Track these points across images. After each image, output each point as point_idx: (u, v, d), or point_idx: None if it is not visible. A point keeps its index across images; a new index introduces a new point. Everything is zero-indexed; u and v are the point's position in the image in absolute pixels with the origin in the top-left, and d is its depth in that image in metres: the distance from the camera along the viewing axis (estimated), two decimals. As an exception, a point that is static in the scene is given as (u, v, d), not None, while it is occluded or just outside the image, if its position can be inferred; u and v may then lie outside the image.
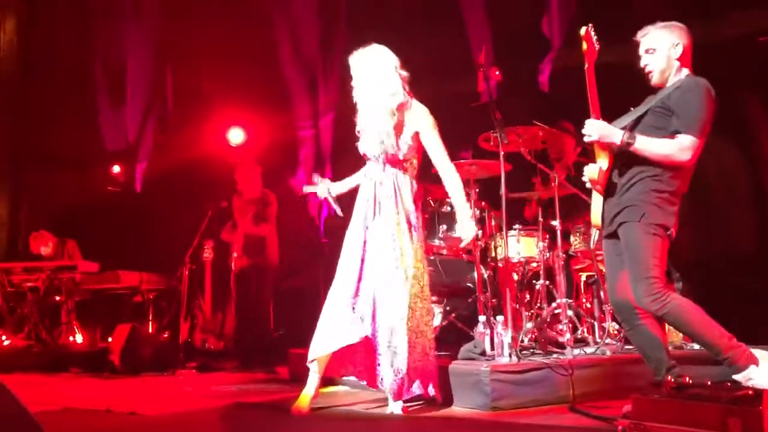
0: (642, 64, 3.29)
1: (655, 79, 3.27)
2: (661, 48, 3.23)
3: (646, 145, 3.08)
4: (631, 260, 3.08)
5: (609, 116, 3.21)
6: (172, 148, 8.55)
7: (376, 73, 3.60)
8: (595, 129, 3.15)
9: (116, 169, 9.13)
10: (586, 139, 3.20)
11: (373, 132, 3.62)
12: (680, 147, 3.04)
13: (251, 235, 6.31)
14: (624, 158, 3.17)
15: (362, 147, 3.71)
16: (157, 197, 8.58)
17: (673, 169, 3.10)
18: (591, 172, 3.22)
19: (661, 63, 3.23)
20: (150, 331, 6.89)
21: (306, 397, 3.53)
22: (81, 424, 3.51)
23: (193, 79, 8.74)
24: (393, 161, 3.62)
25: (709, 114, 3.09)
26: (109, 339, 6.18)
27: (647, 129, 3.15)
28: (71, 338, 7.03)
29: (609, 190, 3.20)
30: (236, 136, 8.30)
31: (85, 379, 5.65)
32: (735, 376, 2.94)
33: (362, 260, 3.55)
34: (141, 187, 8.99)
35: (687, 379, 2.77)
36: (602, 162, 3.19)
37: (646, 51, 3.27)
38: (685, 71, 3.24)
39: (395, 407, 3.45)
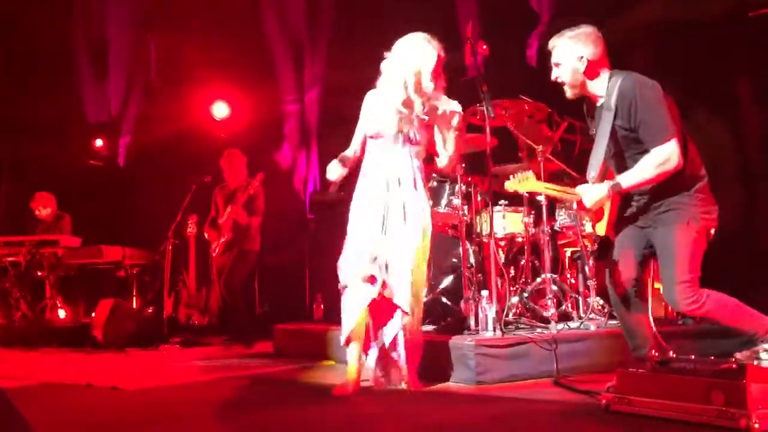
0: (553, 77, 3.24)
1: (568, 94, 3.23)
2: (566, 63, 3.16)
3: (634, 180, 3.04)
4: (669, 261, 3.02)
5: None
6: (155, 122, 8.43)
7: (423, 61, 3.49)
8: (590, 204, 3.11)
9: (99, 142, 8.99)
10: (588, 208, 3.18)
11: (397, 115, 3.53)
12: (663, 161, 2.99)
13: (240, 223, 6.25)
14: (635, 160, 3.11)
15: (378, 126, 3.58)
16: (141, 171, 8.48)
17: (680, 174, 3.03)
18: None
19: (567, 78, 3.18)
20: (134, 306, 6.83)
21: (352, 373, 3.46)
22: (61, 399, 3.48)
23: (177, 51, 8.59)
24: (410, 141, 3.55)
25: (668, 111, 3.03)
26: (92, 314, 6.12)
27: (633, 153, 3.10)
28: (54, 313, 6.96)
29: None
30: (220, 110, 8.19)
31: (68, 354, 5.62)
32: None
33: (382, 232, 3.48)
34: (124, 161, 8.88)
35: (671, 353, 2.78)
36: (600, 227, 3.19)
37: (554, 64, 3.21)
38: (605, 76, 3.15)
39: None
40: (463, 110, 4.51)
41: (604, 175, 3.19)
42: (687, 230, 3.01)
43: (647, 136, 3.03)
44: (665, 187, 3.05)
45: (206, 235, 6.53)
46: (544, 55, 3.31)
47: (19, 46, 8.59)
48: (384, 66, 3.59)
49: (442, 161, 3.62)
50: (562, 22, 3.35)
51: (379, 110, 3.61)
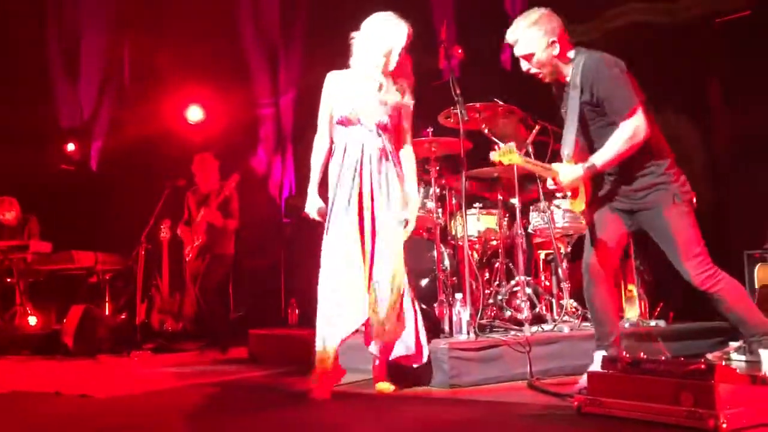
0: (524, 69, 3.23)
1: (548, 79, 3.24)
2: (538, 51, 3.14)
3: (607, 157, 3.07)
4: (674, 243, 3.07)
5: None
6: (128, 126, 8.33)
7: (395, 41, 3.44)
8: (565, 181, 3.14)
9: (71, 146, 8.87)
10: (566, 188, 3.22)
11: (373, 100, 3.48)
12: (632, 134, 3.02)
13: (215, 226, 6.18)
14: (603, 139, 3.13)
15: (354, 112, 3.47)
16: (113, 176, 8.37)
17: (647, 146, 3.07)
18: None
19: (546, 66, 3.17)
20: (106, 312, 6.74)
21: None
22: (27, 407, 3.41)
23: (150, 54, 8.50)
24: (385, 129, 3.50)
25: (630, 85, 3.07)
26: (63, 321, 6.03)
27: (597, 126, 3.14)
28: (24, 320, 6.83)
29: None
30: (195, 113, 8.13)
31: (37, 361, 5.52)
32: (762, 351, 3.02)
33: (371, 237, 3.42)
34: (96, 166, 8.77)
35: (642, 354, 2.80)
36: (579, 204, 3.23)
37: (523, 57, 3.19)
38: (571, 54, 3.17)
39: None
40: (437, 113, 4.55)
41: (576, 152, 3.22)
42: (675, 209, 3.07)
43: (612, 109, 3.07)
44: (637, 166, 3.10)
45: (179, 233, 6.43)
46: (518, 58, 3.30)
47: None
48: (355, 45, 3.51)
49: (408, 152, 3.60)
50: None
51: (350, 93, 3.50)
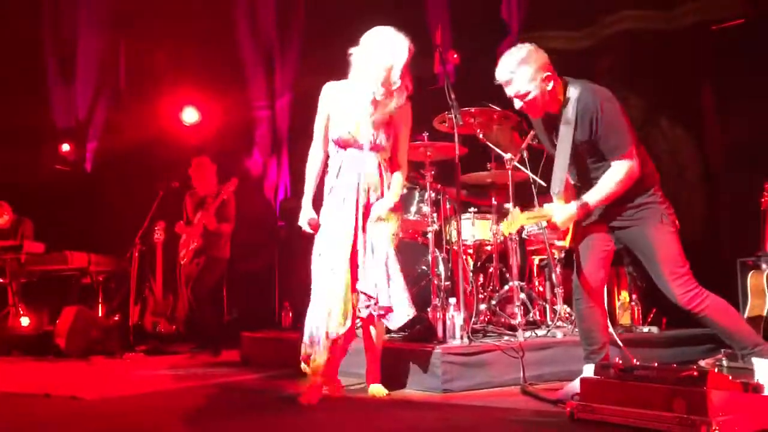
0: (517, 106, 3.18)
1: (542, 114, 3.21)
2: (533, 89, 3.08)
3: (599, 197, 3.08)
4: (657, 260, 3.08)
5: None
6: (124, 128, 8.32)
7: (395, 57, 3.32)
8: (560, 222, 3.13)
9: (66, 147, 8.84)
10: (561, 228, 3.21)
11: (370, 119, 3.41)
12: (624, 176, 3.04)
13: (212, 231, 6.16)
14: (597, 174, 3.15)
15: (350, 133, 3.41)
16: (108, 177, 8.36)
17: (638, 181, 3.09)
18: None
19: (541, 101, 3.11)
20: (99, 313, 6.71)
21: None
22: (16, 409, 3.39)
23: (146, 56, 8.50)
24: (377, 148, 3.44)
25: (626, 122, 3.07)
26: (57, 322, 6.00)
27: (591, 161, 3.15)
28: (17, 321, 6.80)
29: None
30: (190, 115, 8.11)
31: (29, 363, 5.49)
32: (754, 360, 3.02)
33: (363, 247, 3.40)
34: (91, 167, 8.74)
35: (634, 360, 2.80)
36: (567, 240, 3.24)
37: (517, 96, 3.13)
38: (558, 87, 3.13)
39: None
40: (432, 118, 4.55)
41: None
42: (662, 228, 3.09)
43: (607, 149, 3.07)
44: (625, 194, 3.10)
45: (178, 230, 6.38)
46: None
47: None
48: (354, 60, 3.39)
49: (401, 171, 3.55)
50: (532, 34, 3.36)
51: (347, 110, 3.42)
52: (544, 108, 3.16)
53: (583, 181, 3.24)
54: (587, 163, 3.18)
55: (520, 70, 3.08)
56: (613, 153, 3.05)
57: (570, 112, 3.07)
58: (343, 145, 3.44)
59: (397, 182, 3.50)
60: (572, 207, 3.10)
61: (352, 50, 3.40)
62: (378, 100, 3.38)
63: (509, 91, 3.14)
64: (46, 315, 7.02)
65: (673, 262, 3.07)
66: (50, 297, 7.06)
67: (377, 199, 3.44)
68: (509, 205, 4.64)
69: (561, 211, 3.12)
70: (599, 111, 3.02)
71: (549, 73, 3.09)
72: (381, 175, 3.45)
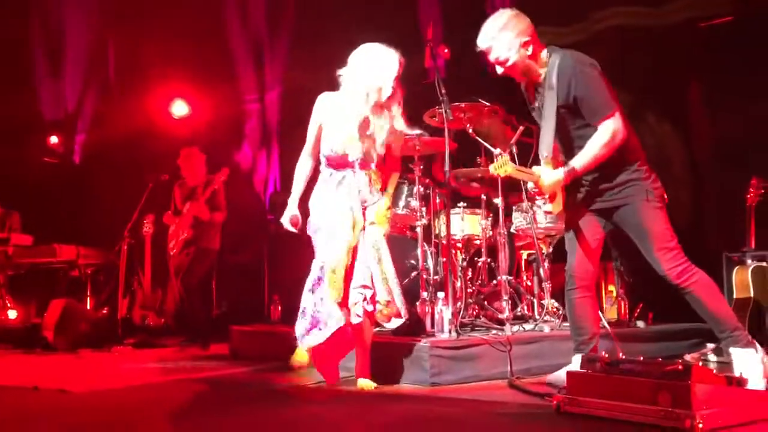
0: (498, 72, 3.22)
1: (524, 79, 3.25)
2: (512, 54, 3.13)
3: (586, 161, 3.10)
4: (647, 237, 3.11)
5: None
6: (112, 120, 8.28)
7: (385, 74, 3.38)
8: (546, 185, 3.15)
9: (54, 139, 8.79)
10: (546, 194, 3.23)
11: (362, 136, 3.44)
12: (610, 137, 3.06)
13: (203, 220, 6.13)
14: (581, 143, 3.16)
15: (343, 148, 3.44)
16: (97, 169, 8.32)
17: (621, 146, 3.11)
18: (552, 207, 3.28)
19: (521, 67, 3.17)
20: (87, 306, 6.69)
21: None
22: (4, 402, 3.37)
23: (136, 48, 8.43)
24: (367, 166, 3.50)
25: (606, 87, 3.09)
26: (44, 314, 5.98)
27: (574, 128, 3.16)
28: (4, 313, 6.77)
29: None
30: (180, 108, 8.08)
31: (17, 356, 5.47)
32: (732, 350, 3.07)
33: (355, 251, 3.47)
34: (80, 159, 8.70)
35: (620, 354, 2.82)
36: (557, 205, 3.24)
37: (497, 61, 3.18)
38: (543, 54, 3.18)
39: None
40: (422, 113, 4.56)
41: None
42: (649, 205, 3.12)
43: (589, 112, 3.09)
44: (611, 165, 3.13)
45: (166, 221, 6.35)
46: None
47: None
48: (344, 79, 3.45)
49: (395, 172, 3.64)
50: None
51: (341, 124, 3.46)
52: (525, 73, 3.21)
53: (570, 154, 3.25)
54: (571, 132, 3.19)
55: (499, 36, 3.13)
56: (596, 115, 3.07)
57: (553, 77, 3.11)
58: (336, 166, 3.49)
59: (392, 185, 3.62)
60: (559, 171, 3.14)
61: (340, 72, 3.45)
62: (369, 118, 3.44)
63: (490, 57, 3.20)
64: (34, 308, 7.00)
65: (661, 238, 3.10)
66: (38, 290, 7.04)
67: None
68: (497, 201, 4.66)
69: (548, 174, 3.15)
70: (577, 73, 3.07)
71: (528, 38, 3.13)
72: (371, 191, 3.53)
